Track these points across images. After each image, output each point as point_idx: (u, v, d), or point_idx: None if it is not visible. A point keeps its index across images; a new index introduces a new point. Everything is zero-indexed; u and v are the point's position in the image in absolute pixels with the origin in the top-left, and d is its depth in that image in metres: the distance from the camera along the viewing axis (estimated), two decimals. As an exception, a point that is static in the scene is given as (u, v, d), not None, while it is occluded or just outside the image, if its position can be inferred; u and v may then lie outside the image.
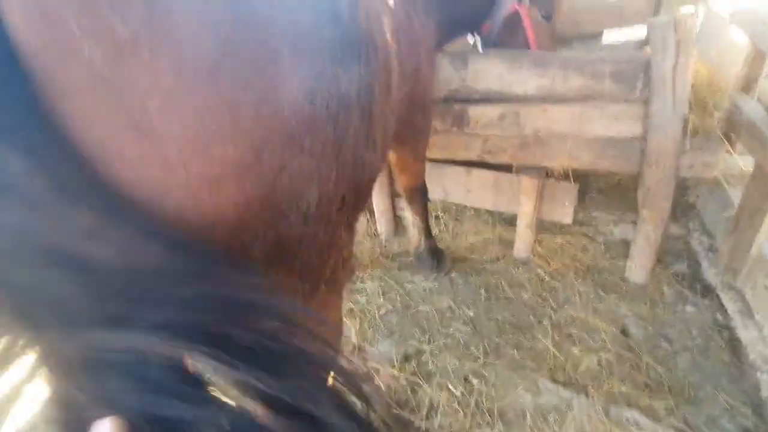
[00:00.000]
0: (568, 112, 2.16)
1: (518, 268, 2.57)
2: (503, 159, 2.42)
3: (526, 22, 2.09)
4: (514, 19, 2.09)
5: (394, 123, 1.29)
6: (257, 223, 0.69)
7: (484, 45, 2.20)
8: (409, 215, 2.47)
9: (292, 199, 0.72)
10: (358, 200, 0.94)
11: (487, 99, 2.28)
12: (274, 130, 0.64)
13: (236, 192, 0.63)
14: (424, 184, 2.39)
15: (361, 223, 3.09)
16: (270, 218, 0.71)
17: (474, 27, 2.25)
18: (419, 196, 2.38)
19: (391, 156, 2.20)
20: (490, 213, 2.95)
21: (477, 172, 2.66)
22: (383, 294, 2.49)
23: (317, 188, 0.75)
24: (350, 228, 0.99)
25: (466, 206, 3.02)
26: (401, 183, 2.38)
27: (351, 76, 0.77)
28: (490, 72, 2.20)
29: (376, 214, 2.97)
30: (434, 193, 2.80)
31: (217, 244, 0.64)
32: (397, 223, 3.07)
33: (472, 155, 2.47)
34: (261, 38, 0.60)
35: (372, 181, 1.03)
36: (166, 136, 0.55)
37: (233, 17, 0.57)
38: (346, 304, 2.45)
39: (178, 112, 0.55)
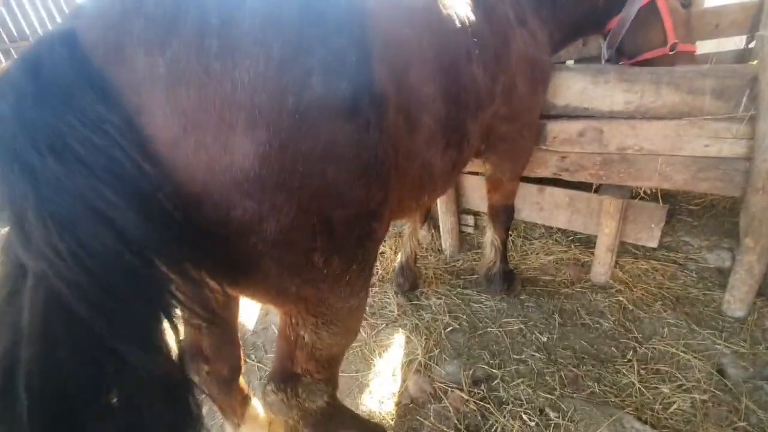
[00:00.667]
0: (661, 130, 2.00)
1: (596, 293, 2.40)
2: (582, 177, 2.29)
3: (664, 12, 1.91)
4: (648, 11, 1.93)
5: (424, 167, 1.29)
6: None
7: (610, 45, 2.06)
8: (489, 234, 2.39)
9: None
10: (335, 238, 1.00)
11: (566, 114, 2.19)
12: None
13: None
14: (513, 205, 2.31)
15: (426, 237, 3.07)
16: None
17: (597, 27, 2.13)
18: (505, 216, 2.30)
19: (485, 170, 2.14)
20: (563, 232, 2.80)
21: (551, 190, 2.55)
22: (449, 312, 2.43)
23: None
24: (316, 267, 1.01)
25: (535, 224, 2.90)
26: (489, 200, 2.31)
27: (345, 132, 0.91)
28: (572, 87, 2.11)
29: (441, 231, 2.93)
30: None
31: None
32: (462, 239, 3.01)
33: (547, 172, 2.37)
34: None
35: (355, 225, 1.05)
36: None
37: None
38: (410, 318, 2.43)
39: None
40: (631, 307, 2.29)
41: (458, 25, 1.35)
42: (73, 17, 0.86)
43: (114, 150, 0.74)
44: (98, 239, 0.72)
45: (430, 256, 2.95)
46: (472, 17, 1.44)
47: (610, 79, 2.04)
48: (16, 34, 7.14)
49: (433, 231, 3.06)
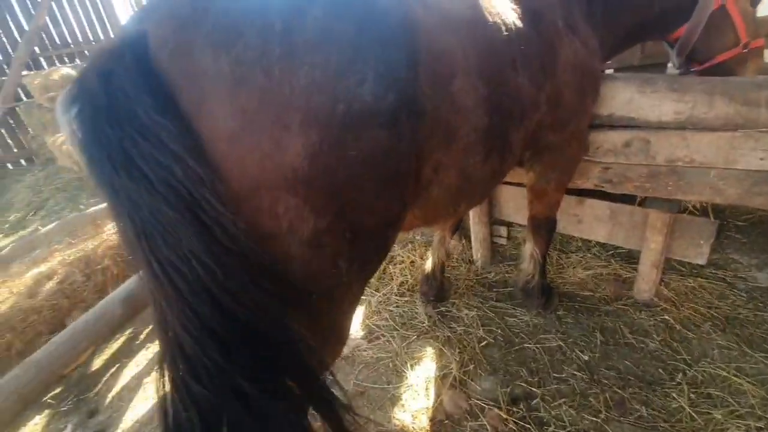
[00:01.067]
0: (714, 142, 1.91)
1: (640, 311, 2.30)
2: (626, 189, 2.21)
3: (735, 15, 1.84)
4: (719, 15, 1.85)
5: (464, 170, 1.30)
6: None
7: (680, 52, 1.97)
8: (528, 246, 2.32)
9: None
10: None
11: (610, 124, 2.12)
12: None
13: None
14: (555, 217, 2.24)
15: (456, 247, 3.01)
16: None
17: (658, 34, 2.06)
18: (547, 228, 2.23)
19: (528, 179, 2.09)
20: (602, 246, 2.71)
21: (590, 202, 2.46)
22: (482, 325, 2.37)
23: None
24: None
25: (572, 237, 2.81)
26: (531, 211, 2.24)
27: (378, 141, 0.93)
28: (617, 96, 2.04)
29: (472, 241, 2.87)
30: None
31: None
32: (494, 250, 2.95)
33: (588, 183, 2.29)
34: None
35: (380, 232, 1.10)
36: None
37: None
38: (442, 330, 2.37)
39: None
40: (678, 327, 2.18)
41: (504, 33, 1.33)
42: (143, 18, 0.89)
43: (170, 162, 0.79)
44: (173, 252, 0.80)
45: (461, 266, 2.90)
46: (519, 25, 1.40)
47: (659, 89, 1.96)
48: (58, 41, 7.44)
49: (464, 241, 3.01)
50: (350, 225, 0.97)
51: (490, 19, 1.31)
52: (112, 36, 7.95)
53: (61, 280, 3.37)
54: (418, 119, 1.00)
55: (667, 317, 2.24)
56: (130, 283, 1.40)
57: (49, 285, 3.35)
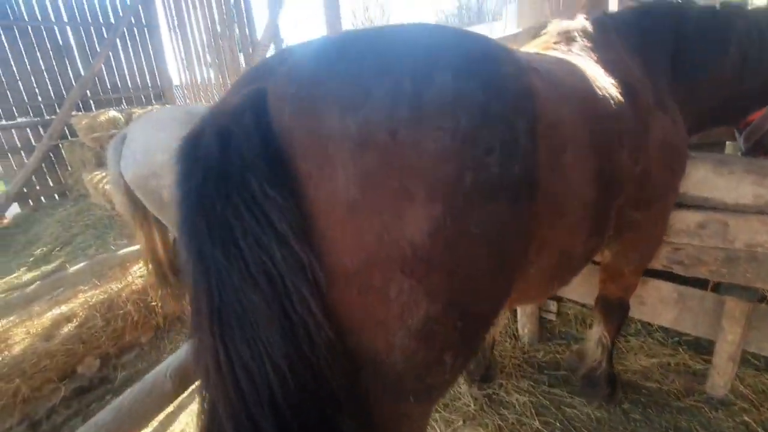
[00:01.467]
0: (802, 229, 1.78)
1: (716, 410, 2.04)
2: (700, 273, 2.04)
3: None
4: None
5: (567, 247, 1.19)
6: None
7: (749, 138, 1.92)
8: (596, 330, 2.13)
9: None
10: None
11: (683, 203, 2.01)
12: None
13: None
14: (628, 301, 2.07)
15: (500, 321, 2.82)
16: None
17: (731, 119, 2.01)
18: (620, 312, 2.05)
19: (603, 257, 1.96)
20: (665, 331, 2.49)
21: (656, 283, 2.29)
22: (537, 414, 2.12)
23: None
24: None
25: (630, 319, 2.60)
26: (603, 291, 2.08)
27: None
28: (690, 174, 1.95)
29: (518, 315, 2.68)
30: (589, 297, 2.45)
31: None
32: (542, 327, 2.74)
33: (656, 264, 2.14)
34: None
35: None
36: None
37: None
38: (491, 416, 2.13)
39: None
40: (760, 431, 1.91)
41: (612, 108, 1.27)
42: (260, 76, 0.85)
43: (273, 245, 0.72)
44: (247, 345, 0.73)
45: (506, 342, 2.68)
46: (620, 98, 1.35)
47: (736, 170, 1.87)
48: (109, 86, 7.89)
49: (508, 314, 2.82)
50: (462, 312, 0.85)
51: (599, 92, 1.27)
52: (161, 83, 8.43)
53: (80, 324, 3.25)
54: (535, 193, 0.91)
55: (747, 418, 1.98)
56: (182, 352, 1.27)
57: (68, 328, 3.23)
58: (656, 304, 2.32)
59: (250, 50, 6.36)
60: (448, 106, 0.78)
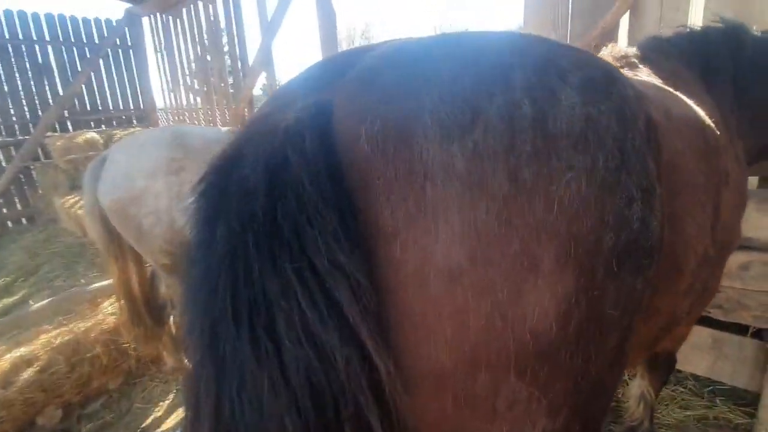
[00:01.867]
0: None
1: (768, 473, 1.84)
2: (741, 318, 1.89)
3: None
4: None
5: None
6: None
7: None
8: (638, 384, 1.91)
9: None
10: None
11: (720, 242, 1.86)
12: None
13: None
14: (676, 353, 1.88)
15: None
16: None
17: None
18: (667, 366, 1.84)
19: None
20: (696, 379, 2.30)
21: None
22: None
23: None
24: None
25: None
26: None
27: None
28: (729, 212, 1.81)
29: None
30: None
31: None
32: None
33: (691, 307, 1.97)
34: None
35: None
36: None
37: None
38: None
39: None
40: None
41: (716, 142, 1.10)
42: (323, 84, 0.63)
43: (334, 343, 0.49)
44: None
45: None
46: (719, 133, 1.18)
47: (779, 208, 1.74)
48: (89, 108, 7.56)
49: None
50: (584, 422, 0.63)
51: (704, 124, 1.08)
52: (144, 105, 8.15)
53: (41, 369, 2.85)
54: (659, 251, 0.70)
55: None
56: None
57: (28, 373, 2.83)
58: (688, 350, 2.14)
59: (241, 75, 6.20)
60: (581, 137, 0.57)
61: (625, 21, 3.00)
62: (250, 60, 5.88)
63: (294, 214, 0.49)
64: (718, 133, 1.18)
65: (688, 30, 1.56)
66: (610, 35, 2.93)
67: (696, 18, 2.77)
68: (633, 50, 1.42)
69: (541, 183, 0.54)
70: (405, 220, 0.52)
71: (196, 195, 0.58)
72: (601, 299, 0.57)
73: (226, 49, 6.57)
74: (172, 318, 3.09)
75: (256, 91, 7.66)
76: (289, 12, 4.92)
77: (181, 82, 7.39)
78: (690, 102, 1.16)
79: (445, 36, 0.69)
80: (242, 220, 0.50)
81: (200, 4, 6.26)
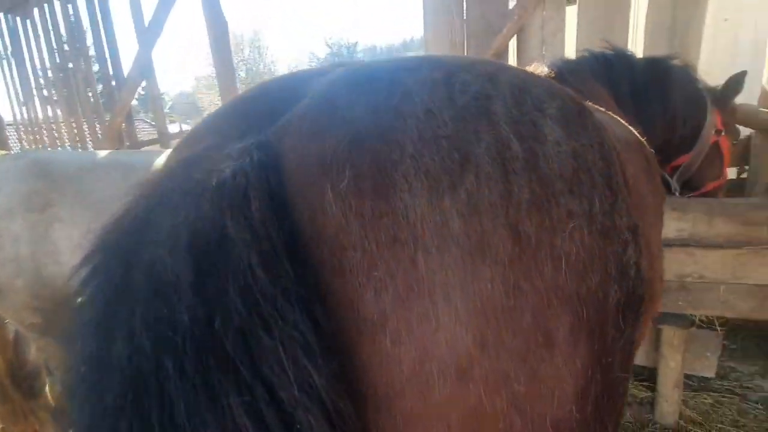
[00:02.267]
0: (720, 258, 1.96)
1: (672, 439, 2.09)
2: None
3: (725, 149, 1.94)
4: (713, 148, 1.93)
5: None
6: None
7: (680, 178, 2.00)
8: None
9: None
10: None
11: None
12: None
13: None
14: None
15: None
16: None
17: (665, 161, 2.05)
18: None
19: None
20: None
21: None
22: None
23: None
24: None
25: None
26: None
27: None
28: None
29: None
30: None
31: None
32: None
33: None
34: None
35: None
36: None
37: None
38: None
39: None
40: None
41: (651, 162, 1.12)
42: (259, 120, 0.50)
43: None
44: None
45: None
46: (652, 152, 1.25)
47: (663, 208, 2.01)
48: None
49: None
50: None
51: (640, 140, 1.10)
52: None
53: None
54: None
55: (701, 441, 2.06)
56: None
57: None
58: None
59: (113, 83, 5.35)
60: (574, 177, 0.50)
61: (513, 44, 3.26)
62: (124, 64, 5.13)
63: (240, 318, 0.35)
64: (652, 152, 1.26)
65: (588, 53, 1.70)
66: (503, 57, 3.16)
67: (570, 41, 3.11)
68: (547, 71, 1.49)
69: (545, 237, 0.47)
70: (393, 303, 0.42)
71: (78, 284, 0.40)
72: (613, 364, 0.52)
73: (92, 53, 5.68)
74: (47, 387, 2.50)
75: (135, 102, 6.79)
76: (172, 14, 4.40)
77: (35, 93, 6.21)
78: (623, 121, 1.23)
79: (404, 58, 0.60)
80: (156, 333, 0.33)
81: (56, 3, 5.30)
